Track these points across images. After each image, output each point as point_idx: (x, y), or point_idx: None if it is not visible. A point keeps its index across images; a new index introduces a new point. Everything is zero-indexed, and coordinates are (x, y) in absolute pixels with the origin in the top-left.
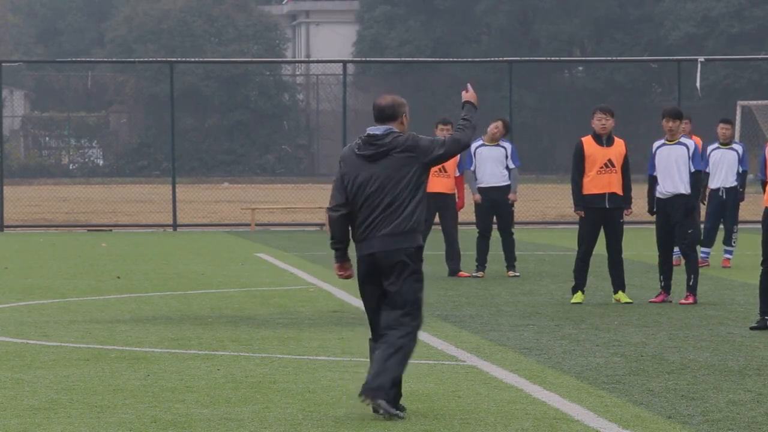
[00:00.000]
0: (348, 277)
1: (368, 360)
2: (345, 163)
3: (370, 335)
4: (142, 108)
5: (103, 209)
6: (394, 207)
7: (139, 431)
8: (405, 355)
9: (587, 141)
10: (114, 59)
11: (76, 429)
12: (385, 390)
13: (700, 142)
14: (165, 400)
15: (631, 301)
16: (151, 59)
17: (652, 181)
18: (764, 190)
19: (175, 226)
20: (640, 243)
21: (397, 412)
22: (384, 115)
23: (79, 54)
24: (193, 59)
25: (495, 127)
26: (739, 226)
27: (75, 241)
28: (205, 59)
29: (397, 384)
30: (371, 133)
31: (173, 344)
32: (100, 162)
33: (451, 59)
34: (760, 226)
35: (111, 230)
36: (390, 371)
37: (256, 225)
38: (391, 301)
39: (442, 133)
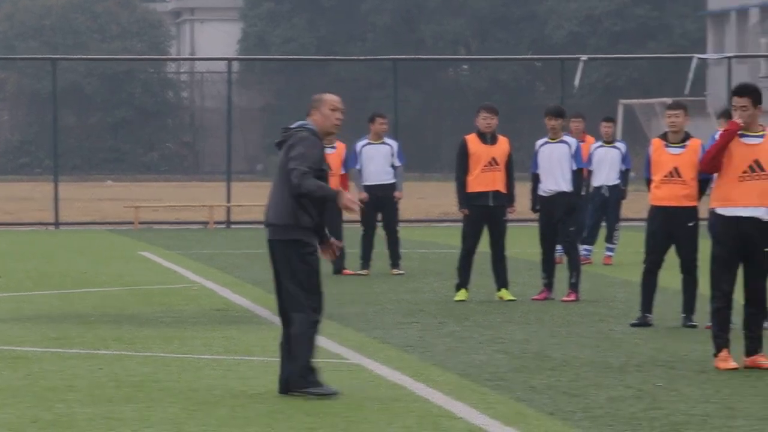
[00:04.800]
0: None
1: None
2: None
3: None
4: (23, 105)
5: None
6: (272, 194)
7: (19, 431)
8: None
9: (471, 139)
10: None
11: None
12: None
13: (593, 141)
14: (46, 399)
15: (514, 298)
16: (32, 56)
17: (535, 179)
18: (648, 189)
19: (57, 224)
20: (524, 240)
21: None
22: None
23: None
24: (75, 56)
25: (380, 123)
26: (621, 223)
27: None
28: (88, 56)
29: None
30: (288, 125)
31: (55, 343)
32: None
33: (336, 57)
34: (641, 223)
35: None
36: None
37: (140, 223)
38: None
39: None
